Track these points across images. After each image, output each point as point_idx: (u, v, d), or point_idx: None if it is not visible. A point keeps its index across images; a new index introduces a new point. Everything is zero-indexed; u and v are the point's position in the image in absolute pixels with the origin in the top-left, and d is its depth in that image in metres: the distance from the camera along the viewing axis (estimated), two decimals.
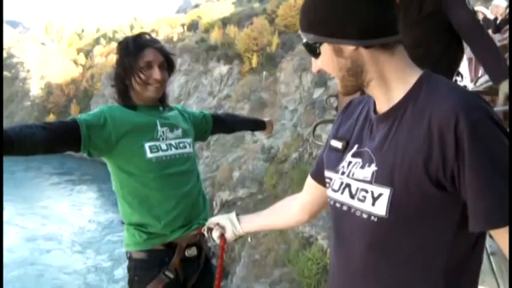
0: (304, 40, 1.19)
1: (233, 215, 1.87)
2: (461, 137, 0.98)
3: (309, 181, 1.57)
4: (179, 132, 2.30)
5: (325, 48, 1.15)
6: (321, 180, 1.46)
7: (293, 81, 27.94)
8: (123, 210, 2.23)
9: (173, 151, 2.22)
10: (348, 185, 1.21)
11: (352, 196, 1.19)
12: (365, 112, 1.29)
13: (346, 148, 1.27)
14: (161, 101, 2.35)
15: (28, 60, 62.34)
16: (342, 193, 1.22)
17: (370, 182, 1.13)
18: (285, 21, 38.65)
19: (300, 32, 1.21)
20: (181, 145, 2.27)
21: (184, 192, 2.22)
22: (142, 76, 2.16)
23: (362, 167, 1.17)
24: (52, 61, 62.86)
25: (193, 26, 49.88)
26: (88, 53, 66.34)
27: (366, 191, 1.14)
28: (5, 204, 36.23)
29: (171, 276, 2.17)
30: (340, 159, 1.27)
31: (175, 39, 47.16)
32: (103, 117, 2.06)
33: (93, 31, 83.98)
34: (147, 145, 2.13)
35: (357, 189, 1.17)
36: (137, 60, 2.18)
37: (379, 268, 1.15)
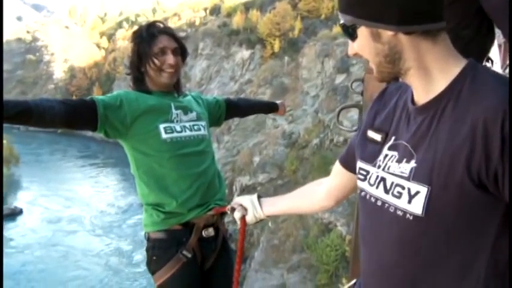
0: (342, 21, 1.13)
1: (255, 197, 1.83)
2: (508, 135, 0.91)
3: (338, 167, 1.51)
4: (193, 115, 2.35)
5: (363, 32, 1.09)
6: (350, 167, 1.41)
7: (315, 67, 27.72)
8: (140, 191, 2.27)
9: (187, 133, 2.26)
10: (383, 179, 1.15)
11: (386, 191, 1.14)
12: (402, 101, 1.21)
13: (385, 140, 1.20)
14: (175, 88, 2.38)
15: (52, 43, 63.01)
16: (377, 187, 1.17)
17: (407, 179, 1.08)
18: (308, 6, 38.29)
19: (338, 12, 1.14)
20: (195, 127, 2.32)
21: (200, 172, 2.25)
22: (156, 62, 2.20)
23: (398, 161, 1.12)
24: (75, 44, 63.44)
25: (215, 10, 49.76)
26: (111, 37, 66.76)
27: (402, 187, 1.09)
28: (30, 186, 36.95)
29: (189, 255, 2.20)
30: (378, 152, 1.21)
31: (197, 23, 47.15)
32: (119, 99, 2.13)
33: (116, 15, 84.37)
34: (161, 126, 2.18)
35: (392, 184, 1.12)
36: (151, 46, 2.21)
37: (412, 267, 1.11)
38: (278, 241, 20.80)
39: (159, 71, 2.23)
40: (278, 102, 3.17)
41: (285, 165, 25.46)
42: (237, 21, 41.00)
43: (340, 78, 25.76)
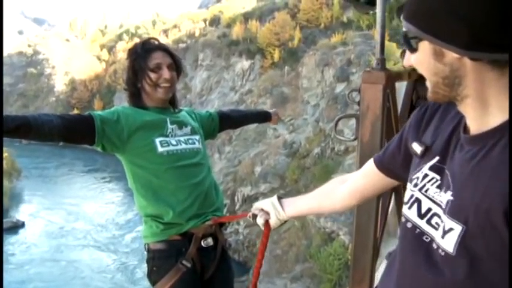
0: (404, 29, 1.05)
1: (275, 199, 1.76)
2: None
3: (370, 166, 1.44)
4: (188, 129, 2.42)
5: (425, 46, 1.02)
6: (385, 168, 1.38)
7: (315, 76, 27.79)
8: (139, 204, 2.33)
9: (182, 146, 2.33)
10: (418, 201, 1.10)
11: (420, 215, 1.09)
12: (455, 123, 1.13)
13: (425, 155, 1.14)
14: (171, 103, 2.47)
15: (53, 56, 63.18)
16: (410, 208, 1.13)
17: (443, 211, 1.03)
18: (307, 15, 38.43)
19: (401, 17, 1.06)
20: (190, 141, 2.38)
21: (196, 183, 2.31)
22: (152, 77, 2.28)
23: (439, 187, 1.07)
24: (76, 57, 63.61)
25: (215, 21, 49.96)
26: (111, 49, 66.93)
27: (440, 218, 1.04)
28: (34, 199, 36.83)
29: (188, 265, 2.24)
30: (416, 167, 1.16)
31: (197, 34, 47.32)
32: (116, 114, 2.21)
33: (116, 27, 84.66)
34: (157, 140, 2.25)
35: (429, 210, 1.07)
36: (147, 62, 2.29)
37: None
38: (281, 251, 20.74)
39: (154, 86, 2.30)
40: (271, 111, 3.26)
41: (286, 174, 25.42)
42: (237, 31, 41.12)
43: (340, 87, 25.79)
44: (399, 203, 3.12)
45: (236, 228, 26.06)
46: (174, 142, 2.30)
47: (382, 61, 2.14)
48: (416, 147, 1.17)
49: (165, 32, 56.18)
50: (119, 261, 25.00)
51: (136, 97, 2.36)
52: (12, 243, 29.01)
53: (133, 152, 2.24)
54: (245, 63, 38.40)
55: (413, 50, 1.05)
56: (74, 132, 2.09)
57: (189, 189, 2.29)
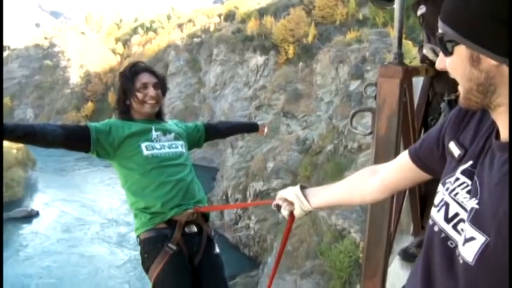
0: (440, 31, 1.02)
1: (298, 189, 1.72)
2: None
3: (404, 159, 1.39)
4: (171, 136, 2.73)
5: (461, 51, 0.98)
6: (421, 162, 1.33)
7: (329, 73, 27.69)
8: (130, 201, 2.62)
9: (166, 150, 2.64)
10: (446, 204, 1.07)
11: (447, 219, 1.07)
12: (487, 128, 1.10)
13: (462, 159, 1.11)
14: (158, 116, 2.77)
15: (69, 49, 63.62)
16: (439, 211, 1.10)
17: (467, 217, 1.00)
18: (322, 12, 38.28)
19: (439, 19, 1.02)
20: (173, 146, 2.69)
21: (178, 179, 2.60)
22: (139, 95, 2.61)
23: (469, 192, 1.03)
24: (91, 50, 64.01)
25: (230, 17, 49.94)
26: (126, 43, 67.28)
27: (464, 223, 1.01)
28: (49, 190, 37.14)
29: (174, 248, 2.48)
30: (451, 171, 1.12)
31: (211, 29, 47.34)
32: (108, 126, 2.54)
33: (131, 21, 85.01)
34: (143, 145, 2.57)
35: (456, 214, 1.05)
36: (134, 82, 2.62)
37: None
38: (291, 247, 20.72)
39: (141, 104, 2.63)
40: (259, 123, 3.53)
41: (298, 171, 25.39)
42: (252, 27, 41.09)
43: (354, 85, 25.67)
44: (413, 201, 3.11)
45: (247, 223, 26.10)
46: (158, 146, 2.61)
47: (400, 55, 2.12)
48: (454, 149, 1.14)
49: (180, 26, 56.27)
50: (130, 257, 25.11)
51: (125, 113, 2.68)
52: (24, 234, 29.32)
53: (123, 156, 2.55)
54: (259, 59, 38.36)
55: (449, 53, 1.02)
56: (72, 141, 2.43)
57: (171, 184, 2.56)
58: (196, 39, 47.61)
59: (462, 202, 1.04)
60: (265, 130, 3.50)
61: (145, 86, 2.62)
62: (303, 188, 1.73)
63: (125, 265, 24.27)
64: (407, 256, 3.08)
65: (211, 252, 2.69)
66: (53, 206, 33.15)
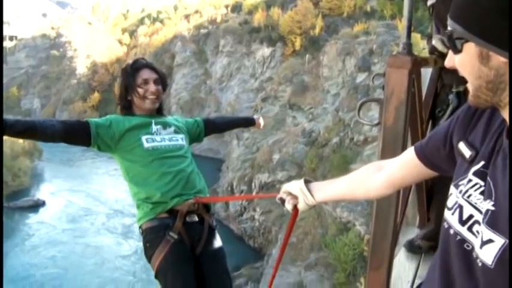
0: (449, 28, 1.01)
1: (302, 183, 1.71)
2: None
3: (410, 156, 1.38)
4: (171, 129, 2.79)
5: (470, 48, 0.97)
6: (427, 159, 1.32)
7: (336, 65, 27.59)
8: (132, 192, 2.68)
9: (166, 143, 2.70)
10: (460, 207, 1.06)
11: (461, 222, 1.05)
12: (500, 125, 1.08)
13: (474, 160, 1.09)
14: (158, 111, 2.83)
15: (75, 39, 63.69)
16: (453, 214, 1.08)
17: (483, 220, 0.98)
18: (330, 4, 38.08)
19: (448, 16, 1.01)
20: (173, 139, 2.75)
21: (178, 169, 2.66)
22: (140, 91, 2.67)
23: (483, 193, 1.02)
24: (98, 40, 64.05)
25: (236, 8, 49.80)
26: (132, 33, 67.22)
27: (480, 225, 0.99)
28: (56, 180, 37.32)
29: (175, 237, 2.53)
30: (464, 173, 1.11)
31: (218, 20, 47.23)
32: (109, 121, 2.60)
33: (138, 11, 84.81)
34: (143, 138, 2.63)
35: (470, 216, 1.04)
36: (135, 78, 2.69)
37: None
38: (296, 239, 20.78)
39: (142, 99, 2.70)
40: (255, 116, 3.63)
41: (304, 163, 25.39)
42: (258, 18, 40.97)
43: (361, 77, 25.58)
44: (419, 193, 3.09)
45: (252, 215, 26.16)
46: (158, 139, 2.68)
47: (409, 46, 2.09)
48: (465, 150, 1.12)
49: (187, 17, 56.13)
50: (135, 248, 25.21)
51: (126, 108, 2.75)
52: (31, 223, 29.51)
53: (124, 149, 2.61)
54: (266, 51, 38.27)
55: (458, 51, 1.01)
56: (72, 135, 2.48)
57: (172, 174, 2.62)
58: (203, 30, 47.52)
59: (476, 204, 1.02)
60: (262, 123, 3.58)
61: (146, 81, 2.68)
62: (307, 182, 1.72)
63: (131, 256, 24.35)
64: (412, 248, 3.07)
65: (213, 241, 2.73)
66: (59, 196, 33.34)
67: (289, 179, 25.84)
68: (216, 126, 3.29)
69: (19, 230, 28.27)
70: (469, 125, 1.16)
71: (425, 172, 1.34)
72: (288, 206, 1.76)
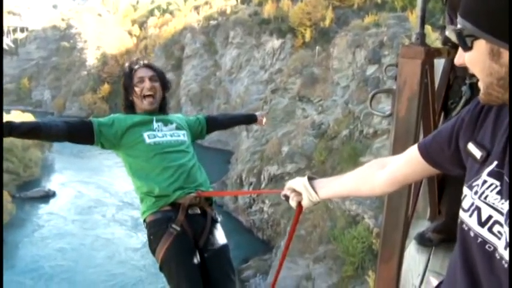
0: (458, 26, 1.00)
1: (306, 180, 1.72)
2: None
3: (414, 154, 1.38)
4: (173, 126, 2.88)
5: (481, 46, 0.97)
6: (430, 157, 1.32)
7: (346, 57, 27.42)
8: (135, 186, 2.77)
9: (168, 138, 2.79)
10: (478, 209, 1.04)
11: (480, 223, 1.03)
12: (507, 123, 1.07)
13: (485, 161, 1.08)
14: (161, 109, 2.92)
15: (85, 30, 63.83)
16: (471, 216, 1.06)
17: (505, 221, 0.96)
18: None
19: (458, 14, 1.00)
20: (175, 135, 2.84)
21: (180, 164, 2.74)
22: (136, 89, 2.78)
23: (499, 193, 1.00)
24: (108, 32, 64.14)
25: None
26: (142, 24, 67.21)
27: (502, 227, 0.97)
28: (66, 171, 37.55)
29: (178, 229, 2.60)
30: (476, 174, 1.09)
31: (228, 12, 47.06)
32: (111, 119, 2.73)
33: (148, 3, 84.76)
34: (145, 134, 2.73)
35: (489, 217, 1.02)
36: (132, 78, 2.80)
37: None
38: (305, 232, 20.80)
39: (140, 98, 2.79)
40: (257, 113, 3.74)
41: (313, 155, 25.34)
42: (268, 10, 40.77)
43: (371, 69, 25.41)
44: (431, 185, 3.07)
45: (261, 207, 26.19)
46: (160, 135, 2.77)
47: (422, 36, 2.07)
48: (474, 151, 1.11)
49: (196, 8, 55.97)
50: (145, 241, 25.08)
51: (129, 108, 2.87)
52: (40, 214, 29.73)
53: (127, 145, 2.72)
54: (276, 42, 38.13)
55: (468, 48, 1.00)
56: (76, 134, 2.61)
57: (173, 168, 2.70)
58: (212, 22, 47.40)
59: (494, 204, 1.01)
60: (264, 120, 3.68)
61: (141, 79, 2.78)
62: (311, 179, 1.73)
63: (140, 249, 24.38)
64: (423, 241, 3.06)
65: (216, 233, 2.79)
66: (70, 187, 33.57)
67: (298, 171, 25.82)
68: (218, 123, 3.38)
69: (30, 221, 28.53)
70: (475, 125, 1.15)
71: (429, 170, 1.34)
72: (292, 203, 1.79)
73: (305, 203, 1.73)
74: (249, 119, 3.69)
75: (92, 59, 61.48)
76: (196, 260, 2.64)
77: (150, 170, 2.69)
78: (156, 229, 2.64)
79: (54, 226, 27.87)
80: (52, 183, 34.21)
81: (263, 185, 26.50)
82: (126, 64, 2.94)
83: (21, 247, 24.98)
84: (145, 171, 2.70)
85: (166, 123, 2.85)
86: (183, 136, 2.88)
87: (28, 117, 39.32)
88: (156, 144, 2.73)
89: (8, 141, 33.88)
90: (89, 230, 27.11)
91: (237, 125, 3.84)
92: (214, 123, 3.30)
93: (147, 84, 2.77)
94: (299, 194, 1.75)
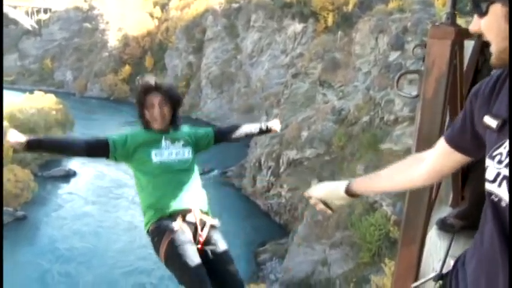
0: None
1: (327, 184, 1.81)
2: None
3: (444, 147, 1.40)
4: (180, 144, 3.11)
5: (496, 10, 0.97)
6: (460, 146, 1.34)
7: (369, 43, 27.08)
8: (141, 199, 3.07)
9: (173, 157, 3.04)
10: (505, 177, 1.02)
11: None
12: None
13: (503, 128, 1.07)
14: (172, 124, 3.13)
15: (107, 12, 64.05)
16: (499, 185, 1.04)
17: None
18: None
19: None
20: (180, 153, 3.08)
21: (182, 181, 3.01)
22: (147, 113, 3.05)
23: None
24: (129, 14, 64.25)
25: None
26: (164, 7, 67.13)
27: None
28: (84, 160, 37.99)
29: (177, 227, 2.82)
30: (495, 143, 1.09)
31: None
32: (125, 137, 3.02)
33: None
34: (153, 152, 3.00)
35: None
36: (144, 101, 3.05)
37: None
38: (322, 217, 20.78)
39: (151, 120, 3.04)
40: (269, 124, 3.78)
41: (332, 141, 25.21)
42: None
43: (394, 56, 25.06)
44: (454, 172, 3.02)
45: (279, 191, 26.24)
46: (166, 154, 3.03)
47: (453, 16, 2.01)
48: (491, 121, 1.11)
49: None
50: None
51: (144, 123, 3.12)
52: (60, 194, 30.16)
53: (136, 161, 3.02)
54: (298, 27, 37.82)
55: (484, 14, 1.01)
56: (93, 151, 3.00)
57: (173, 186, 2.97)
58: (234, 5, 47.10)
59: None
60: (278, 128, 3.82)
61: (152, 105, 3.02)
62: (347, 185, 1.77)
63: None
64: (445, 226, 3.03)
65: (217, 236, 3.00)
66: (91, 167, 33.95)
67: (317, 156, 25.69)
68: (227, 136, 3.55)
69: (50, 200, 28.99)
70: (490, 99, 1.15)
71: (461, 158, 1.36)
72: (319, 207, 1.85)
73: (334, 205, 1.80)
74: (262, 131, 3.78)
75: (113, 41, 61.73)
76: (197, 251, 2.82)
77: (154, 186, 2.98)
78: (157, 232, 2.88)
79: (75, 206, 28.21)
80: (73, 163, 34.65)
81: (281, 169, 26.50)
82: (139, 82, 3.20)
83: (42, 228, 25.39)
84: (149, 186, 2.99)
85: (174, 141, 3.10)
86: (187, 154, 3.12)
87: (50, 98, 39.91)
88: (162, 163, 3.00)
89: (32, 120, 34.45)
90: (109, 213, 27.41)
91: (247, 138, 3.89)
92: (222, 136, 3.48)
93: (155, 111, 3.01)
94: (324, 203, 1.81)
